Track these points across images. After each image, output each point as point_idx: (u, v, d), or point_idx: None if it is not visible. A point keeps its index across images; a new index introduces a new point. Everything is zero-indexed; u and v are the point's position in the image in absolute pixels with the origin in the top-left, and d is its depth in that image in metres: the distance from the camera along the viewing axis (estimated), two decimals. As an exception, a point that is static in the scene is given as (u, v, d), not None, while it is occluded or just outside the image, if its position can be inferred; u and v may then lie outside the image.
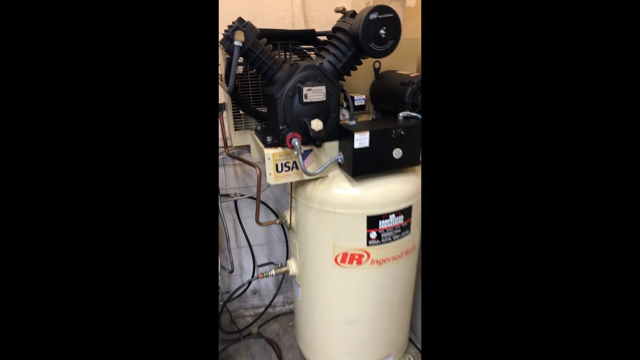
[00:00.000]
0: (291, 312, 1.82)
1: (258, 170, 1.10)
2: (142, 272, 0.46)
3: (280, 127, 0.94)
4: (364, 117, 1.22)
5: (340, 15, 1.00)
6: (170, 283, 0.47)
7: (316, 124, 0.92)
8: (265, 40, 0.93)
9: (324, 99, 0.94)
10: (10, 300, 0.40)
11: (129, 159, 0.44)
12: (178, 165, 0.47)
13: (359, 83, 1.18)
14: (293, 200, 1.16)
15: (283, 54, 1.12)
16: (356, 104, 1.10)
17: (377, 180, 1.03)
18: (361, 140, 0.94)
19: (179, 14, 0.45)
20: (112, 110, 0.43)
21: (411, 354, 1.47)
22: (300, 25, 1.41)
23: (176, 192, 0.46)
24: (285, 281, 1.79)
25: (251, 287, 1.84)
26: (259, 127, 1.10)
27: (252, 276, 1.71)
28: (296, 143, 0.90)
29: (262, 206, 1.64)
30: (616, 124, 0.37)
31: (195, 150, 0.47)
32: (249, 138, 1.17)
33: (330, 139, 1.02)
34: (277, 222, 1.26)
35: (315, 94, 0.92)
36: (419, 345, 1.54)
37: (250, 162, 1.17)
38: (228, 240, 1.48)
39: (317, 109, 0.94)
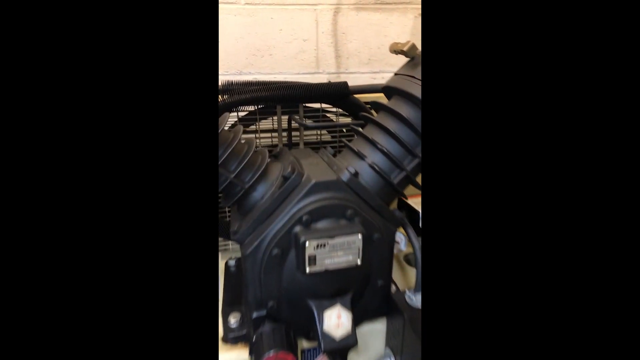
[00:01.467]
0: None
1: None
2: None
3: (254, 315, 0.41)
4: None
5: (403, 58, 0.45)
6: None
7: (336, 325, 0.37)
8: (238, 130, 0.40)
9: (359, 261, 0.39)
10: None
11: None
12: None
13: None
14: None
15: (286, 123, 0.60)
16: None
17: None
18: None
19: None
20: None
21: None
22: (329, 63, 0.89)
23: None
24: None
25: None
26: (232, 263, 0.58)
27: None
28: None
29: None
30: (617, 123, 0.32)
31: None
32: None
33: (371, 316, 0.47)
34: None
35: (339, 253, 0.38)
36: None
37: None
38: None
39: (340, 281, 0.40)
